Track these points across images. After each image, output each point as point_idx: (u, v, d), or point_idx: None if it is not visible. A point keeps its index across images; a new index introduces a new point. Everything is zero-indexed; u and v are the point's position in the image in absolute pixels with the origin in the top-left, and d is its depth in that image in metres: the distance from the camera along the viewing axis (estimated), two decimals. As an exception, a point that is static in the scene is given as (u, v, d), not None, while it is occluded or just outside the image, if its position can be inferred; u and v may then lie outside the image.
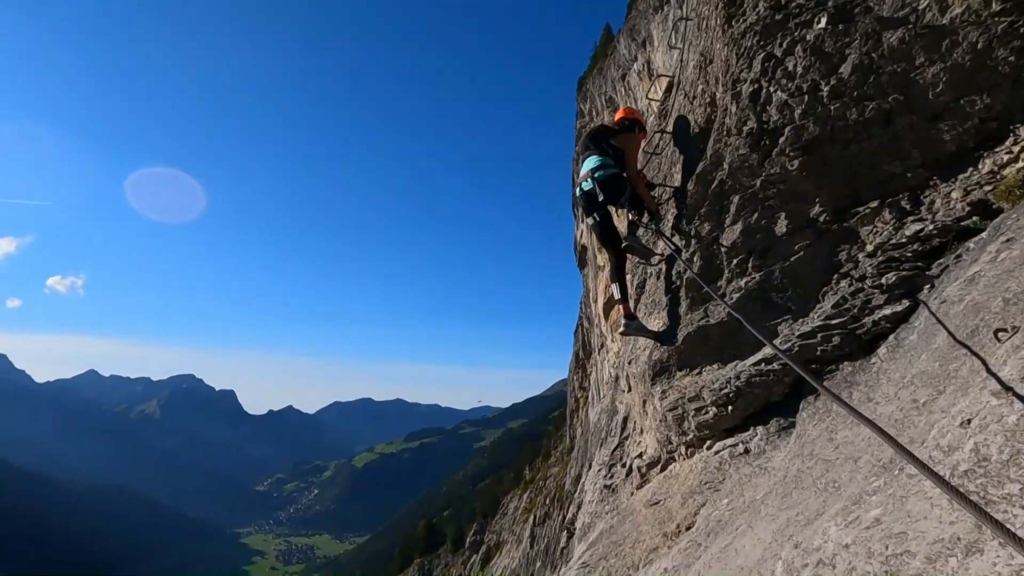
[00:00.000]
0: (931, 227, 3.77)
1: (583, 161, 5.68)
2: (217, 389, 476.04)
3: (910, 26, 3.94)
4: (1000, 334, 2.39)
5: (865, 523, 1.84)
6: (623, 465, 5.75)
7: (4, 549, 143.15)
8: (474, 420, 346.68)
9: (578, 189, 5.60)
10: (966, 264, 3.39)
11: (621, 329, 5.32)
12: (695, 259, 4.95)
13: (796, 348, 3.98)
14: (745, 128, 4.54)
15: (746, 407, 4.24)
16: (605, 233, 5.57)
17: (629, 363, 5.70)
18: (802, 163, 4.28)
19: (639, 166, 6.03)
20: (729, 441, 4.34)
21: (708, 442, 4.57)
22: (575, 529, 7.22)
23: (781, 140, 4.35)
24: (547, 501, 49.55)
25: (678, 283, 5.21)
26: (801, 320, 4.22)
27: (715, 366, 4.72)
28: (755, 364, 4.20)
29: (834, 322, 3.89)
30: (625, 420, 6.17)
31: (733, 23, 4.91)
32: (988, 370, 2.14)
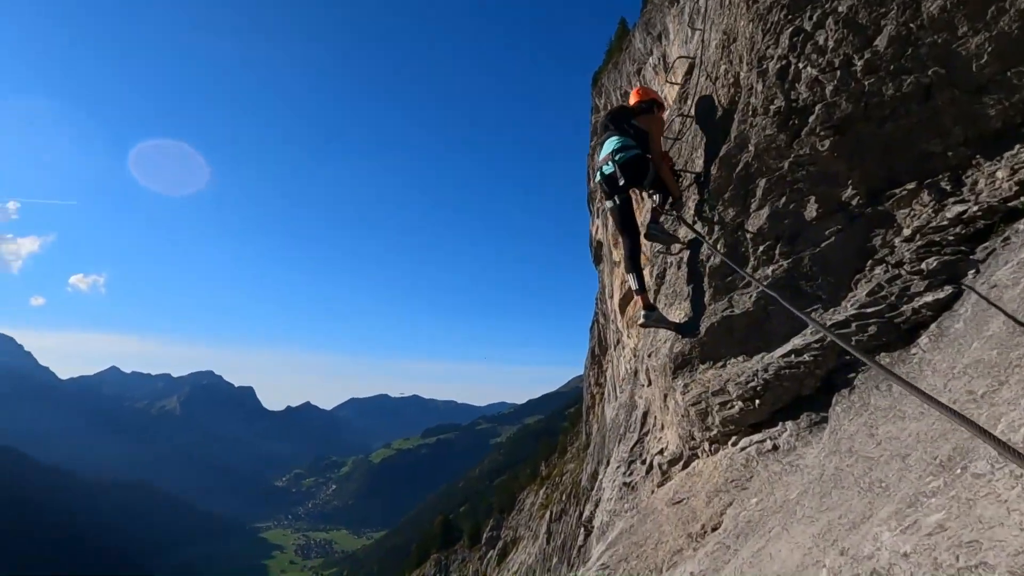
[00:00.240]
0: (975, 209, 3.52)
1: (603, 143, 5.45)
2: (236, 386, 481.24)
3: (951, -7, 3.69)
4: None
5: (926, 529, 1.62)
6: (643, 462, 5.54)
7: (28, 542, 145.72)
8: (490, 416, 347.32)
9: (598, 174, 5.38)
10: (1016, 247, 3.14)
11: (640, 321, 5.10)
12: (719, 246, 4.73)
13: (829, 338, 3.75)
14: (772, 107, 4.30)
15: (774, 401, 4.01)
16: (624, 218, 5.34)
17: (649, 356, 5.49)
18: (833, 143, 4.03)
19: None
20: (756, 437, 4.12)
21: (733, 438, 4.35)
22: (592, 527, 7.03)
23: (811, 119, 4.10)
24: (563, 497, 49.41)
25: (701, 272, 4.98)
26: (832, 309, 3.99)
27: (740, 358, 4.49)
28: (784, 356, 3.97)
29: (870, 310, 3.65)
30: (645, 415, 5.95)
31: (758, -2, 4.67)
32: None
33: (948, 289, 3.40)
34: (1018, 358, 2.19)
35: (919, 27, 3.73)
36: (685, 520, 3.93)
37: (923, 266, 3.57)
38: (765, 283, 4.31)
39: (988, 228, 3.46)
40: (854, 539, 1.93)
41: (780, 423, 4.00)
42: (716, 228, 4.76)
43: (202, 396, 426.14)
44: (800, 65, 4.17)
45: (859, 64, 3.91)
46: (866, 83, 3.88)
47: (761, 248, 4.44)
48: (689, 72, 6.42)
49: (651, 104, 5.65)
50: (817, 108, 4.07)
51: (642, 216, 5.93)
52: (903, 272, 3.68)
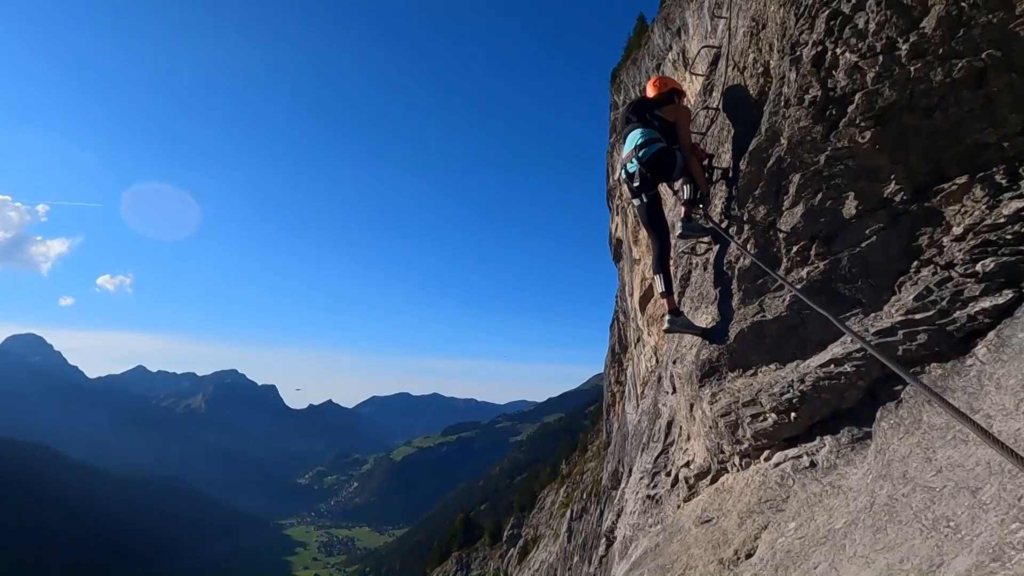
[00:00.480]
0: (1035, 204, 3.20)
1: (626, 137, 5.16)
2: (259, 384, 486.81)
3: (1008, -32, 3.35)
4: None
5: (1020, 594, 1.35)
6: (667, 474, 5.26)
7: (58, 538, 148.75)
8: (510, 414, 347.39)
9: (622, 171, 5.10)
10: (1086, 246, 2.83)
11: (665, 326, 4.82)
12: (749, 246, 4.43)
13: (868, 350, 3.44)
14: (807, 97, 3.99)
15: (812, 414, 3.72)
16: (652, 216, 5.04)
17: (674, 363, 5.20)
18: (875, 135, 3.71)
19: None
20: (791, 452, 3.83)
21: (766, 452, 4.06)
22: (615, 537, 6.76)
23: (850, 109, 3.78)
24: (584, 496, 49.15)
25: (729, 274, 4.69)
26: (874, 315, 3.68)
27: (772, 366, 4.20)
28: (822, 366, 3.67)
29: (918, 316, 3.34)
30: (669, 425, 5.67)
31: (790, -20, 4.36)
32: None
33: (1008, 294, 3.08)
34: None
35: (972, 6, 3.40)
36: (715, 543, 3.65)
37: (978, 268, 3.25)
38: (799, 286, 4.01)
39: (1051, 226, 3.14)
40: (925, 594, 1.66)
41: (818, 437, 3.71)
42: (746, 227, 4.46)
43: (226, 394, 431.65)
44: (838, 51, 3.85)
45: (904, 48, 3.58)
46: (912, 69, 3.55)
47: (795, 249, 4.15)
48: (713, 63, 6.11)
49: (671, 93, 5.35)
50: (857, 97, 3.75)
51: (671, 213, 5.63)
52: (954, 274, 3.36)
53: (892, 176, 3.75)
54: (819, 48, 3.96)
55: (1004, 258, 3.19)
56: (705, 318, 4.84)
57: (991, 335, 3.02)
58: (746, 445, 4.15)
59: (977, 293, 3.19)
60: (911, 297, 3.45)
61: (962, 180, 3.52)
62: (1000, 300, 3.08)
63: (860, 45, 3.75)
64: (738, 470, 4.27)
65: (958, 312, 3.21)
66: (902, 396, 3.27)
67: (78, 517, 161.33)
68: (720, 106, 5.42)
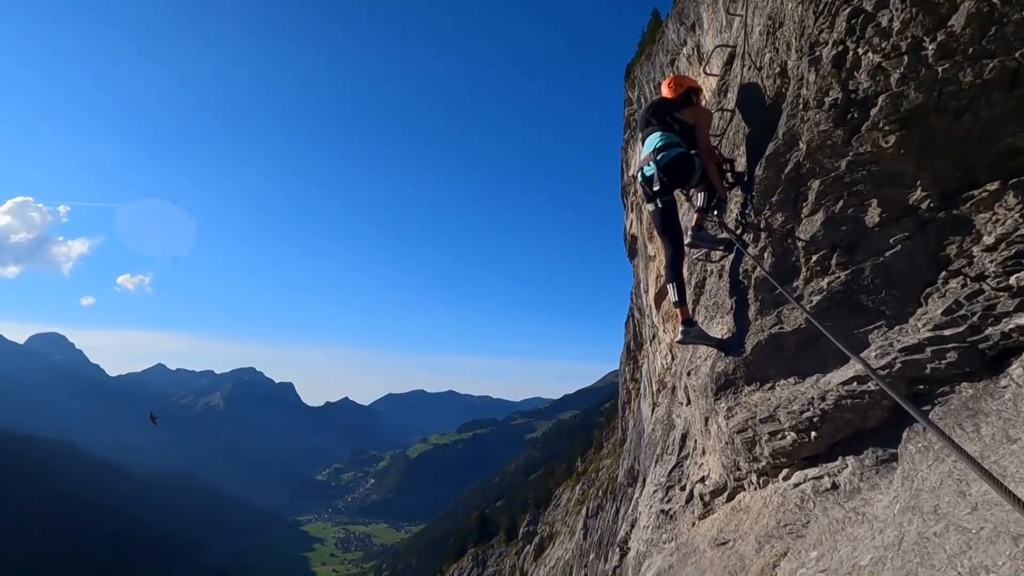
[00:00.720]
0: (1074, 213, 3.00)
1: (644, 139, 4.99)
2: (276, 381, 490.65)
3: (1043, -39, 3.15)
4: None
5: None
6: (682, 488, 5.10)
7: (77, 533, 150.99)
8: (526, 411, 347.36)
9: (639, 173, 4.93)
10: None
11: (679, 338, 4.65)
12: (766, 255, 4.25)
13: (898, 365, 3.26)
14: (827, 99, 3.80)
15: (833, 434, 3.54)
16: (666, 222, 4.87)
17: (688, 374, 5.03)
18: (900, 139, 3.52)
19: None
20: (812, 472, 3.66)
21: (785, 471, 3.89)
22: (628, 548, 6.61)
23: (873, 112, 3.59)
24: (600, 493, 48.99)
25: (745, 283, 4.51)
26: (898, 328, 3.50)
27: (791, 380, 4.03)
28: (844, 383, 3.49)
29: (947, 332, 3.14)
30: (684, 437, 5.50)
31: (809, -24, 4.16)
32: None
33: (1046, 310, 2.89)
34: None
35: (1004, 2, 3.19)
36: (732, 570, 3.49)
37: (1011, 281, 3.06)
38: (819, 297, 3.84)
39: (1091, 236, 2.94)
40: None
41: (840, 457, 3.54)
42: (763, 235, 4.28)
43: (244, 392, 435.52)
44: (860, 51, 3.66)
45: (931, 48, 3.38)
46: (939, 69, 3.35)
47: (815, 258, 3.96)
48: (728, 62, 5.91)
49: (688, 93, 5.16)
50: (880, 99, 3.56)
51: (685, 219, 5.46)
52: (986, 288, 3.17)
53: (918, 182, 3.56)
54: (840, 48, 3.77)
55: (1040, 271, 3.00)
56: (720, 328, 4.67)
57: (1027, 354, 2.84)
58: (764, 463, 3.98)
59: (1011, 308, 3.00)
60: (939, 311, 3.26)
61: (993, 187, 3.32)
62: (1037, 316, 2.89)
63: (884, 45, 3.55)
64: (755, 488, 4.10)
65: (990, 329, 3.01)
66: (930, 417, 3.09)
67: (98, 513, 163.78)
68: (735, 108, 5.23)
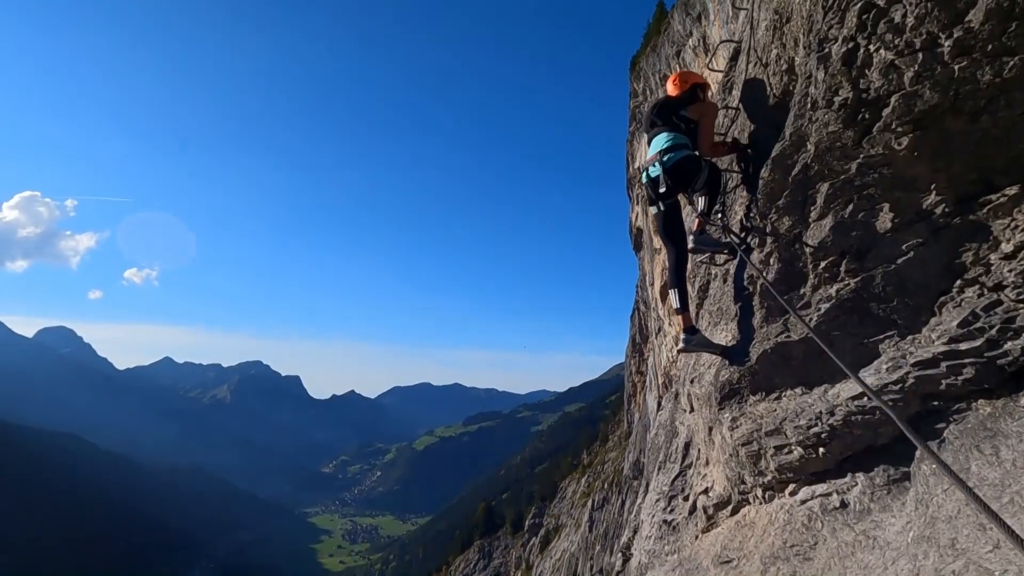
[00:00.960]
0: (1099, 220, 2.83)
1: (651, 139, 4.84)
2: (283, 375, 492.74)
3: (1068, -48, 2.96)
4: None
5: None
6: (685, 498, 4.96)
7: (86, 525, 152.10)
8: (531, 404, 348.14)
9: (644, 174, 4.77)
10: None
11: (680, 346, 4.50)
12: (771, 261, 4.09)
13: (911, 380, 3.10)
14: (837, 99, 3.63)
15: (842, 450, 3.39)
16: (669, 225, 4.71)
17: (691, 382, 4.88)
18: (913, 140, 3.35)
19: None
20: (820, 488, 3.52)
21: (791, 486, 3.75)
22: (631, 555, 6.49)
23: (886, 112, 3.41)
24: (605, 486, 49.06)
25: (750, 288, 4.35)
26: (911, 338, 3.34)
27: (798, 391, 3.88)
28: (854, 398, 3.33)
29: (963, 347, 2.98)
30: (687, 446, 5.35)
31: (817, -31, 3.97)
32: None
33: (1069, 325, 2.73)
34: None
35: (1026, -4, 3.02)
36: (736, 593, 3.36)
37: (1032, 291, 2.90)
38: (828, 304, 3.68)
39: (1118, 245, 2.77)
40: None
41: (849, 474, 3.39)
42: (769, 240, 4.12)
43: (251, 385, 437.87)
44: (871, 48, 3.48)
45: (947, 45, 3.20)
46: (956, 68, 3.17)
47: (823, 264, 3.80)
48: (733, 58, 5.72)
49: (694, 89, 4.99)
50: (893, 99, 3.38)
51: (688, 220, 5.31)
52: (1005, 298, 3.00)
53: (932, 186, 3.39)
54: (850, 45, 3.58)
55: (1062, 281, 2.83)
56: (724, 335, 4.52)
57: (1050, 372, 2.68)
58: (769, 477, 3.84)
59: (1032, 321, 2.84)
60: (955, 323, 3.09)
61: (1012, 191, 3.14)
62: (1060, 331, 2.73)
63: (897, 41, 3.37)
64: (761, 503, 3.96)
65: (1010, 343, 2.85)
66: (945, 436, 2.93)
67: (105, 505, 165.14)
68: (739, 106, 5.05)
